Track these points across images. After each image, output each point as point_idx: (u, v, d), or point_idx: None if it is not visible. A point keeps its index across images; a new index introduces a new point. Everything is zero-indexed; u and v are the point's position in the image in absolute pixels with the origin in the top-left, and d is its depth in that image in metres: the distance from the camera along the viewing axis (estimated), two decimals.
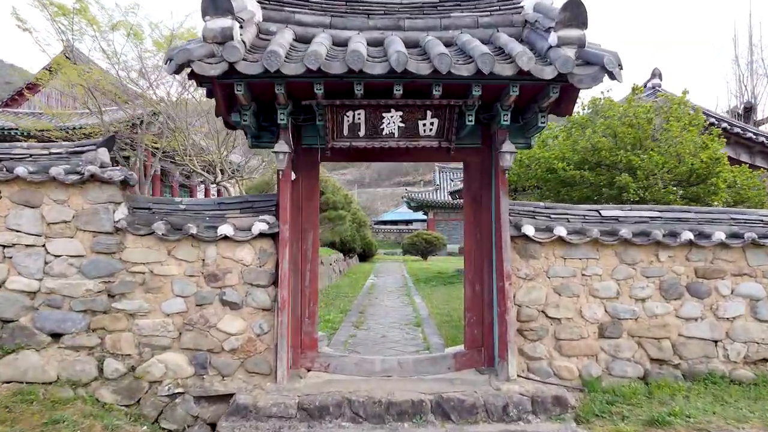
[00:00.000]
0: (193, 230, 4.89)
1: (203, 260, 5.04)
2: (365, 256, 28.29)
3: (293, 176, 5.24)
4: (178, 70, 4.34)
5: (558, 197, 7.91)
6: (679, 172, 7.13)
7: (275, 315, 4.98)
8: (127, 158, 15.03)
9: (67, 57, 14.80)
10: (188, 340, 4.98)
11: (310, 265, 5.36)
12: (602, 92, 8.59)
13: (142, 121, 14.03)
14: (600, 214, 5.49)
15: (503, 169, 5.02)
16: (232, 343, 5.00)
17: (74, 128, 15.45)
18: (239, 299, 5.03)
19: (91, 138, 15.61)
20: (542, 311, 5.24)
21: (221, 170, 12.67)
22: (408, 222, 52.12)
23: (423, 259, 30.27)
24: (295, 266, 5.29)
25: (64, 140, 17.84)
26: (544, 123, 4.99)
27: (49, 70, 16.40)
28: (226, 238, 4.98)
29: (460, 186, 19.22)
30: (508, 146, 4.93)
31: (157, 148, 15.06)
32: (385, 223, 54.54)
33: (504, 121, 4.95)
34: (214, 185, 14.96)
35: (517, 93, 4.62)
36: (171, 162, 15.91)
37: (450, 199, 39.75)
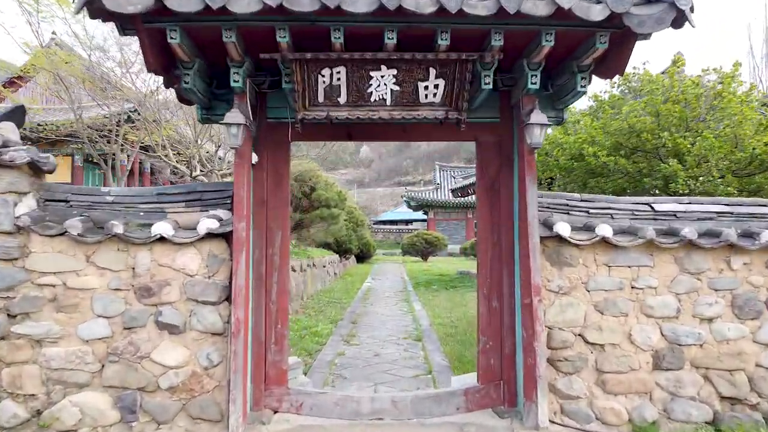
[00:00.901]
0: (119, 229, 3.64)
1: (133, 269, 3.78)
2: (363, 257, 27.03)
3: (255, 159, 3.99)
4: (91, 11, 3.11)
5: (585, 191, 6.65)
6: (737, 159, 5.87)
7: (228, 342, 3.73)
8: (104, 154, 13.78)
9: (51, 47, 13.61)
10: (113, 374, 3.72)
11: (278, 274, 4.10)
12: (634, 67, 7.37)
13: (121, 121, 12.86)
14: (653, 208, 4.23)
15: (531, 147, 3.76)
16: (170, 378, 3.73)
17: (45, 124, 14.22)
18: (181, 321, 3.77)
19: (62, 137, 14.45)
20: (580, 335, 3.98)
21: (200, 163, 11.42)
22: (408, 222, 50.85)
23: (423, 260, 29.02)
24: (257, 276, 4.03)
25: (32, 140, 16.62)
26: (584, 88, 3.73)
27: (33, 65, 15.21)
28: (163, 239, 3.72)
29: (463, 183, 17.98)
30: (537, 116, 3.67)
31: (130, 141, 13.83)
32: (384, 222, 53.29)
33: (532, 83, 3.69)
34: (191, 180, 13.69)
35: (551, 44, 3.37)
36: (144, 154, 14.69)
37: (451, 197, 38.53)
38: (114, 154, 13.57)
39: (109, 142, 13.29)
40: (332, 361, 6.38)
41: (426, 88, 3.64)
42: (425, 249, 27.96)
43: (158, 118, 11.48)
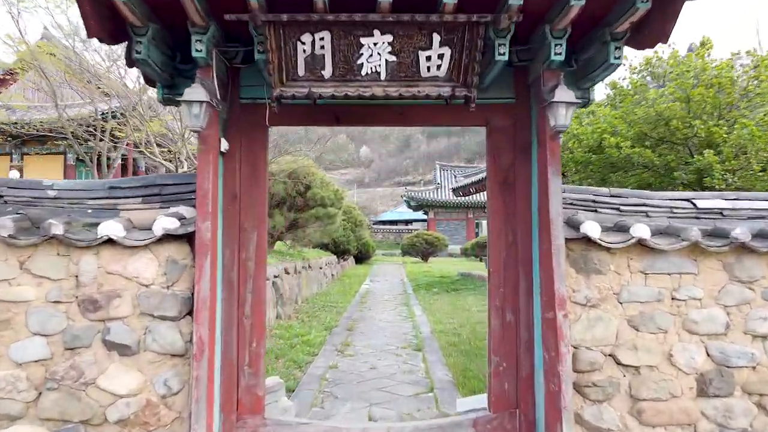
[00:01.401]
0: (58, 229, 2.99)
1: (77, 277, 3.13)
2: (362, 257, 26.39)
3: (225, 146, 3.35)
4: None
5: (603, 186, 5.96)
6: None
7: (191, 365, 3.09)
8: (91, 151, 13.14)
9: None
10: (51, 404, 3.07)
11: (253, 283, 3.45)
12: (656, 52, 6.72)
13: (107, 116, 12.26)
14: (694, 205, 3.58)
15: (555, 131, 3.11)
16: (120, 409, 3.09)
17: (24, 122, 13.60)
18: (133, 340, 3.13)
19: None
20: (611, 355, 3.34)
21: (188, 159, 10.77)
22: (407, 222, 50.20)
23: (423, 260, 28.39)
24: (228, 285, 3.39)
25: (20, 138, 15.94)
26: (618, 59, 3.08)
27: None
28: (112, 242, 3.09)
29: (464, 182, 17.34)
30: (563, 93, 3.03)
31: (119, 138, 13.21)
32: (384, 223, 52.65)
33: (556, 54, 3.04)
34: None
35: (581, 3, 2.74)
36: (138, 152, 14.05)
37: (452, 197, 37.91)
38: (100, 152, 12.94)
39: (94, 138, 12.68)
40: (323, 375, 5.73)
41: (428, 58, 2.99)
42: (425, 249, 27.33)
43: (143, 111, 10.83)
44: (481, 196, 37.99)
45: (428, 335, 7.95)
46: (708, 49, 6.13)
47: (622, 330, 3.34)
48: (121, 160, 15.93)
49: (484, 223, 39.67)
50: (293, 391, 5.21)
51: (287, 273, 10.60)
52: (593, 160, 6.17)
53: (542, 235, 3.26)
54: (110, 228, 3.05)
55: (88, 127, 12.66)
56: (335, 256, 18.68)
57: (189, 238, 3.19)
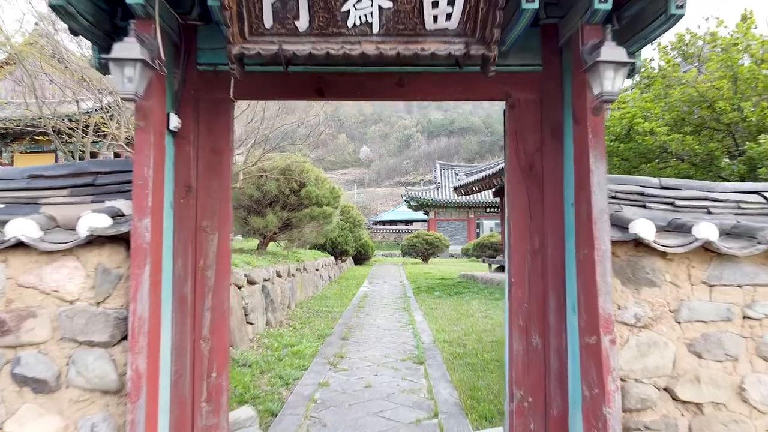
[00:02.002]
0: None
1: None
2: (361, 258, 25.67)
3: (176, 123, 2.62)
4: None
5: None
6: None
7: (128, 404, 2.36)
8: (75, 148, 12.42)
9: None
10: None
11: (213, 297, 2.72)
12: (687, 28, 5.98)
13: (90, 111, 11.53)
14: (767, 199, 2.87)
15: (600, 101, 2.38)
16: None
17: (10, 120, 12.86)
18: (52, 373, 2.40)
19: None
20: (666, 389, 2.62)
21: None
22: (407, 222, 49.49)
23: (423, 261, 27.69)
24: (180, 302, 2.66)
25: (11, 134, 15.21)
26: (680, 8, 2.35)
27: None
28: (24, 245, 2.37)
29: (466, 180, 16.63)
30: (611, 52, 2.29)
31: (110, 135, 12.48)
32: (383, 223, 51.96)
33: (601, 2, 2.32)
34: None
35: None
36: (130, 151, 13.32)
37: (453, 196, 37.20)
38: (83, 150, 12.23)
39: (84, 134, 11.97)
40: (312, 395, 5.00)
41: (435, 4, 2.26)
42: (426, 250, 26.62)
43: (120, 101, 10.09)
44: (483, 195, 37.24)
45: (430, 345, 7.22)
46: (749, 25, 5.38)
47: (681, 357, 2.61)
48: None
49: (486, 222, 38.96)
50: (276, 415, 4.49)
51: (279, 276, 9.89)
52: (621, 150, 5.40)
53: (580, 238, 2.54)
54: (21, 227, 2.33)
55: (72, 122, 11.96)
56: (332, 257, 17.97)
57: (128, 241, 2.47)
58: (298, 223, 11.39)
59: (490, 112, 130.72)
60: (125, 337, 2.42)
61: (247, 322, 7.43)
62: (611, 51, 2.29)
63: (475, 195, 37.87)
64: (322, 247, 17.99)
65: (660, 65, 5.70)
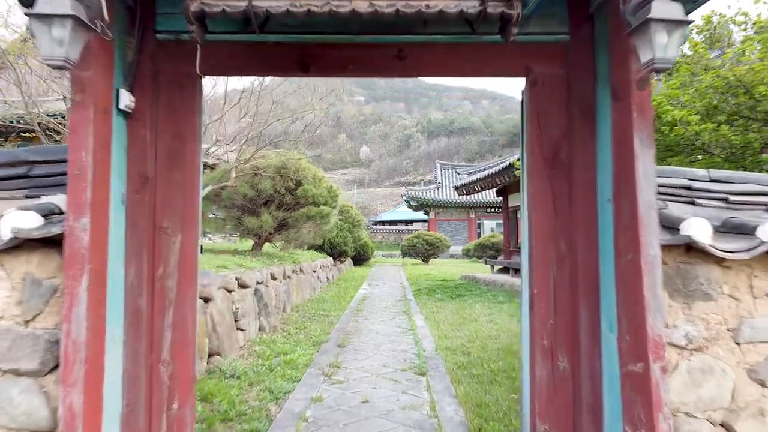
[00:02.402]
0: None
1: None
2: (360, 259, 25.22)
3: (128, 102, 2.16)
4: None
5: None
6: None
7: None
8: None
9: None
10: None
11: (175, 311, 2.25)
12: (713, 10, 5.51)
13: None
14: None
15: (649, 70, 1.91)
16: None
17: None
18: None
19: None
20: (724, 425, 2.15)
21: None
22: (407, 222, 49.03)
23: (424, 262, 27.23)
24: (134, 318, 2.19)
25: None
26: None
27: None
28: None
29: (468, 179, 16.17)
30: (663, 7, 1.82)
31: None
32: (383, 223, 51.53)
33: None
34: None
35: None
36: None
37: (453, 196, 36.77)
38: None
39: (64, 128, 11.52)
40: (302, 413, 4.53)
41: None
42: (426, 251, 26.16)
43: None
44: (484, 195, 36.78)
45: (432, 353, 6.75)
46: None
47: (742, 386, 2.15)
48: None
49: (486, 223, 38.48)
50: None
51: (273, 279, 9.42)
52: None
53: (621, 241, 2.06)
54: None
55: (59, 119, 11.50)
56: (331, 258, 17.50)
57: (60, 245, 2.00)
58: (295, 224, 10.93)
59: (490, 112, 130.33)
60: (59, 365, 1.95)
61: (238, 329, 6.96)
62: (664, 6, 1.81)
63: (475, 195, 37.42)
64: (320, 248, 17.54)
65: (690, 44, 5.17)
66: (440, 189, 37.97)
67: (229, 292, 6.98)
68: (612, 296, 2.13)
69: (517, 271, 14.24)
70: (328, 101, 9.81)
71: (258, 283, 8.34)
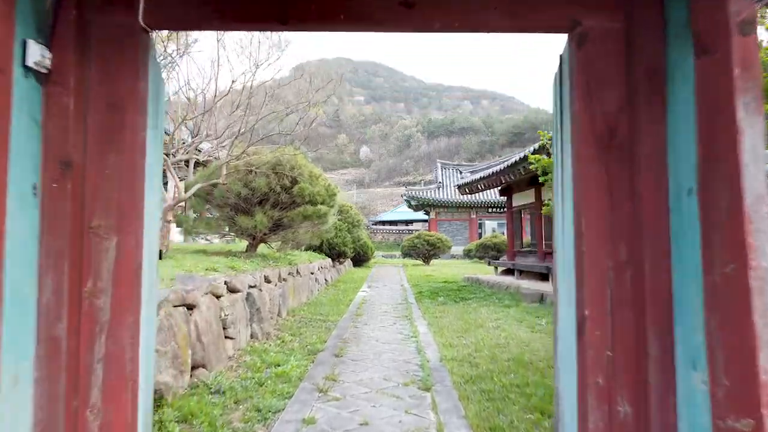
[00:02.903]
0: None
1: None
2: (360, 259, 24.69)
3: (38, 57, 1.59)
4: None
5: None
6: None
7: None
8: None
9: None
10: None
11: (108, 339, 1.68)
12: None
13: None
14: None
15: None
16: None
17: None
18: None
19: None
20: None
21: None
22: (408, 222, 48.50)
23: (425, 263, 26.70)
24: (49, 347, 1.62)
25: None
26: None
27: None
28: None
29: (471, 178, 15.62)
30: None
31: None
32: (383, 223, 51.01)
33: None
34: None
35: None
36: None
37: (455, 196, 36.29)
38: None
39: None
40: None
41: None
42: (427, 251, 25.62)
43: None
44: (486, 195, 36.25)
45: (437, 365, 6.19)
46: None
47: None
48: None
49: (488, 223, 37.97)
50: None
51: (268, 282, 8.87)
52: None
53: (713, 247, 1.50)
54: None
55: None
56: (329, 260, 16.95)
57: None
58: (291, 223, 10.37)
59: (490, 112, 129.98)
60: None
61: (227, 337, 6.40)
62: None
63: (477, 195, 36.89)
64: (318, 249, 17.00)
65: None
66: (441, 189, 37.46)
67: (218, 297, 6.42)
68: (695, 321, 1.57)
69: (522, 272, 13.69)
70: (326, 92, 9.27)
71: (251, 286, 7.80)
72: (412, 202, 36.72)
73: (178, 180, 8.42)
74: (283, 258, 11.16)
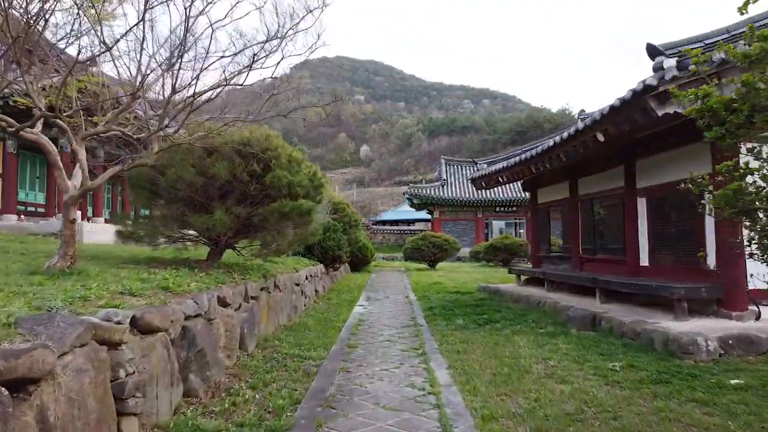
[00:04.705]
0: None
1: None
2: (359, 263, 22.03)
3: None
4: None
5: None
6: None
7: None
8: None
9: None
10: None
11: None
12: None
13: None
14: None
15: None
16: None
17: None
18: None
19: None
20: None
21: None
22: (409, 222, 45.85)
23: (430, 267, 24.02)
24: None
25: None
26: None
27: None
28: None
29: (488, 170, 12.93)
30: None
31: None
32: (384, 223, 48.35)
33: None
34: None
35: None
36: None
37: (461, 194, 33.70)
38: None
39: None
40: None
41: None
42: (433, 254, 22.95)
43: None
44: (493, 193, 33.56)
45: None
46: None
47: None
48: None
49: (495, 223, 35.29)
50: None
51: (225, 305, 6.21)
52: None
53: None
54: None
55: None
56: (321, 266, 14.29)
57: None
58: (263, 223, 7.71)
59: (491, 111, 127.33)
60: None
61: (124, 414, 3.74)
62: None
63: (483, 193, 34.20)
64: (308, 253, 14.34)
65: None
66: (445, 186, 34.79)
67: (114, 347, 3.77)
68: None
69: (553, 283, 11.01)
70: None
71: (189, 317, 5.13)
72: (415, 200, 34.06)
73: (85, 162, 5.74)
74: (256, 268, 8.49)
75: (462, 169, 36.74)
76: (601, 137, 8.15)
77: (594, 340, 7.17)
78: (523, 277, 13.28)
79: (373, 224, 44.93)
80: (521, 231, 33.08)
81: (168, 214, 7.75)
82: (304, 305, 10.93)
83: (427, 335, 8.09)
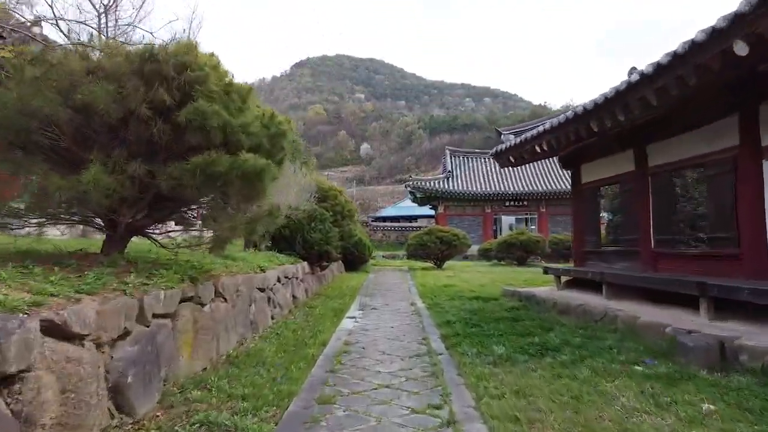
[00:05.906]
0: None
1: None
2: (354, 261, 18.89)
3: None
4: None
5: None
6: None
7: None
8: None
9: None
10: None
11: None
12: None
13: None
14: None
15: None
16: None
17: None
18: None
19: None
20: None
21: None
22: (411, 218, 42.74)
23: (436, 266, 20.87)
24: None
25: None
26: None
27: None
28: None
29: (522, 138, 9.78)
30: None
31: None
32: (384, 219, 45.21)
33: None
34: None
35: None
36: None
37: (467, 186, 30.55)
38: None
39: None
40: None
41: None
42: (441, 251, 19.80)
43: None
44: (503, 186, 30.37)
45: None
46: None
47: None
48: None
49: (504, 218, 32.10)
50: None
51: (70, 338, 3.05)
52: None
53: None
54: None
55: None
56: (305, 263, 11.13)
57: None
58: (178, 191, 4.57)
59: (492, 109, 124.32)
60: None
61: None
62: None
63: (491, 186, 31.00)
64: (289, 247, 11.20)
65: None
66: (450, 179, 31.65)
67: None
68: None
69: (611, 287, 7.85)
70: None
71: None
72: (417, 194, 30.91)
73: None
74: (183, 265, 5.31)
75: (468, 160, 33.61)
76: (716, 64, 5.04)
77: (753, 392, 4.01)
78: (562, 279, 10.13)
79: (372, 221, 41.82)
80: (533, 227, 29.96)
81: (22, 172, 4.60)
82: (272, 318, 7.76)
83: (452, 374, 4.93)
